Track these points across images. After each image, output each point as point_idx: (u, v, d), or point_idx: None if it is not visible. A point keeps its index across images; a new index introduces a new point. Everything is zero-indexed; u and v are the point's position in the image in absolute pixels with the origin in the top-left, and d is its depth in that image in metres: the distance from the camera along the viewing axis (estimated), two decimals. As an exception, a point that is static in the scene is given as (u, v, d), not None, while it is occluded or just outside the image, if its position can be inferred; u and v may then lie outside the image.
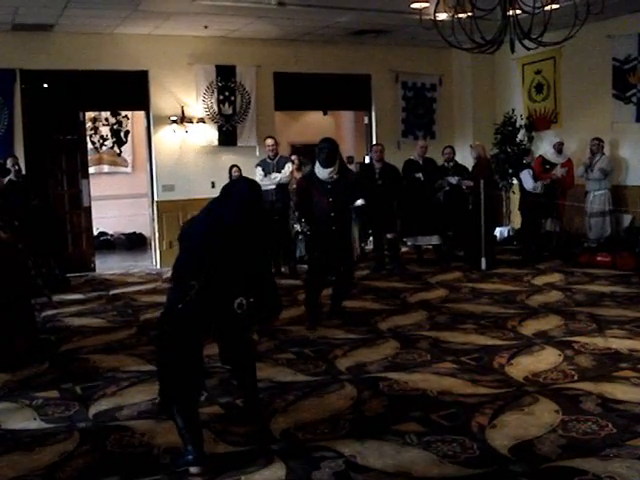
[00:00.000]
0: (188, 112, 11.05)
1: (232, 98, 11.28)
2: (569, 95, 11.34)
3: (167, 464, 4.02)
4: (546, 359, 5.71)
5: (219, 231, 3.99)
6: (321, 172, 6.81)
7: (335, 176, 6.80)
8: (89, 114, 13.11)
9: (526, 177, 10.12)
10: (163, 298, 8.65)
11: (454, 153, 10.61)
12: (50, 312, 8.21)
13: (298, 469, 3.87)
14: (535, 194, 10.07)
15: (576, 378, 5.20)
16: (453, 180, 10.22)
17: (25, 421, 4.80)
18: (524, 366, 5.54)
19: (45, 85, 10.41)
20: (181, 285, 4.04)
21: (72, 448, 4.30)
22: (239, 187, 4.21)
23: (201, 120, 11.09)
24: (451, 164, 10.47)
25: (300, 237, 9.35)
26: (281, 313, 4.76)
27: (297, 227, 7.71)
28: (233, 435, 4.38)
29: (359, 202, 6.90)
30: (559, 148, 10.64)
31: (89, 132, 13.62)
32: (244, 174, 9.91)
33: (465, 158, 11.26)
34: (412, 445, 4.11)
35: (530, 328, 6.69)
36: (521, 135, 11.90)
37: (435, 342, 6.33)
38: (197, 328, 4.03)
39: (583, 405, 4.64)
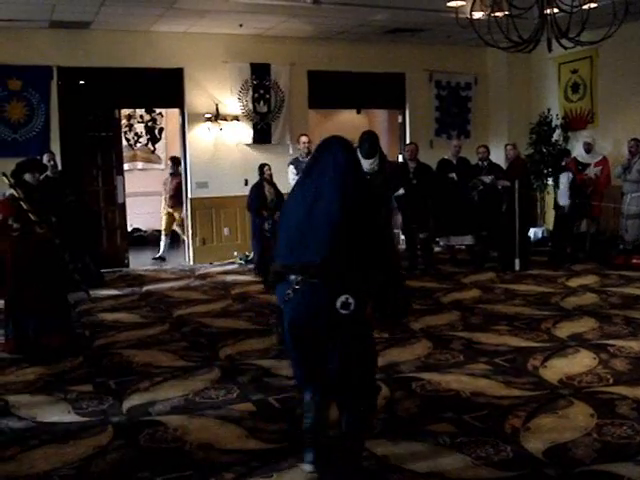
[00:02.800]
0: (223, 110, 11.10)
1: (267, 96, 11.32)
2: (606, 95, 11.19)
3: (198, 460, 4.04)
4: (581, 362, 5.63)
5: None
6: (363, 163, 6.67)
7: (376, 167, 6.92)
8: (124, 111, 13.23)
9: (563, 182, 10.00)
10: (196, 295, 8.85)
11: (489, 152, 10.51)
12: (85, 307, 8.32)
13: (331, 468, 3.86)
14: (570, 194, 9.97)
15: (611, 382, 5.12)
16: (487, 179, 10.13)
17: (60, 414, 4.85)
18: (558, 369, 5.47)
19: (82, 82, 10.51)
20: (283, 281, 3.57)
21: (106, 442, 4.34)
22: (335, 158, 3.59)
23: (235, 118, 11.14)
24: (485, 163, 10.38)
25: None
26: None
27: None
28: (265, 432, 4.39)
29: (401, 191, 7.08)
30: (587, 148, 10.54)
31: (124, 129, 13.75)
32: (276, 172, 10.02)
33: (500, 158, 11.15)
34: (445, 446, 4.09)
35: (564, 330, 6.60)
36: (557, 135, 11.76)
37: (468, 343, 6.28)
38: (301, 334, 3.57)
39: (618, 409, 4.56)
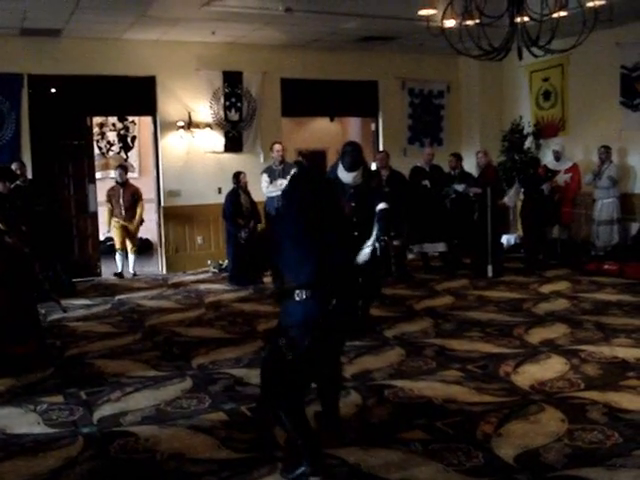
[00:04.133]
0: (195, 118, 11.08)
1: (239, 104, 11.31)
2: (577, 102, 11.33)
3: (170, 470, 4.00)
4: (552, 367, 5.66)
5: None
6: (345, 176, 6.65)
7: (359, 180, 6.67)
8: (96, 119, 13.14)
9: (545, 189, 10.15)
10: (169, 304, 8.79)
11: (460, 160, 10.58)
12: (56, 317, 8.21)
13: (301, 478, 3.85)
14: (539, 201, 10.08)
15: (582, 387, 5.16)
16: (459, 187, 10.20)
17: (29, 426, 4.78)
18: (530, 374, 5.50)
19: (53, 90, 10.42)
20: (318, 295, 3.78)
21: (76, 453, 4.28)
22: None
23: (208, 126, 11.11)
24: (456, 172, 10.44)
25: None
26: None
27: None
28: (237, 442, 4.36)
29: (381, 206, 6.64)
30: (556, 156, 10.70)
31: (96, 137, 13.66)
32: (249, 181, 10.00)
33: (473, 165, 11.23)
34: (417, 453, 4.08)
35: (536, 336, 6.64)
36: (528, 142, 11.87)
37: (441, 350, 6.29)
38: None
39: (589, 414, 4.59)
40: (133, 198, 10.79)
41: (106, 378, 5.81)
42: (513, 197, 10.49)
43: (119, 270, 10.95)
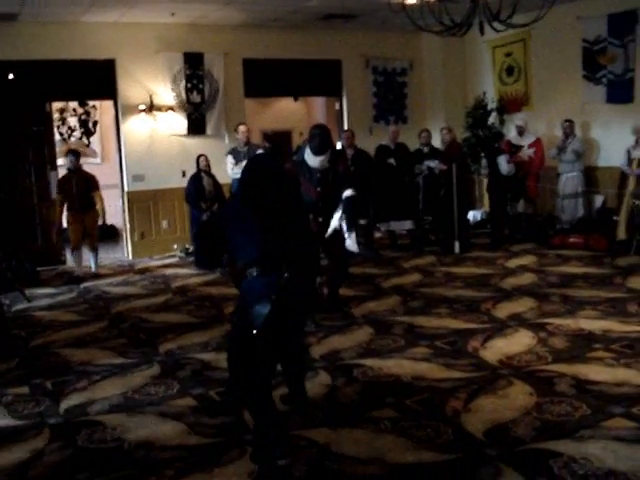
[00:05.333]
0: (157, 101, 10.89)
1: (200, 86, 11.14)
2: (540, 77, 11.35)
3: (138, 458, 3.96)
4: (520, 342, 5.70)
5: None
6: (312, 160, 6.48)
7: (326, 164, 6.51)
8: (57, 105, 12.90)
9: (502, 161, 10.13)
10: (135, 290, 8.71)
11: (430, 137, 10.57)
12: (21, 306, 8.08)
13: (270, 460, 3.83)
14: (503, 177, 10.12)
15: (550, 360, 5.20)
16: (432, 164, 10.17)
17: (-6, 418, 4.71)
18: (498, 349, 5.53)
19: (10, 76, 10.16)
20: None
21: (42, 445, 4.23)
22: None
23: (170, 109, 10.95)
24: (427, 148, 10.43)
25: None
26: None
27: None
28: (206, 427, 4.33)
29: (348, 192, 6.50)
30: (519, 131, 10.75)
31: (57, 123, 13.40)
32: (214, 163, 9.93)
33: (438, 142, 11.22)
34: (387, 431, 4.09)
35: (504, 311, 6.68)
36: (492, 118, 11.87)
37: (409, 327, 6.30)
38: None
39: (557, 387, 4.63)
40: (87, 187, 9.54)
41: (72, 367, 5.74)
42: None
43: (75, 273, 9.63)
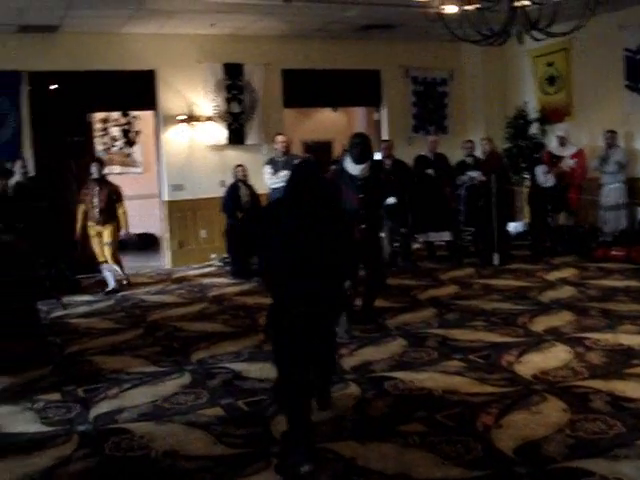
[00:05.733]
0: (196, 111, 11.00)
1: (240, 96, 11.22)
2: (582, 87, 11.17)
3: (164, 468, 3.95)
4: (556, 356, 5.57)
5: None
6: (352, 168, 6.54)
7: (367, 172, 6.55)
8: (99, 115, 13.11)
9: (539, 172, 9.98)
10: (171, 298, 8.76)
11: (474, 147, 10.44)
12: (59, 313, 8.19)
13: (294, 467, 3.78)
14: (543, 187, 9.96)
15: (586, 376, 5.07)
16: (475, 174, 10.05)
17: (25, 424, 4.75)
18: (533, 364, 5.41)
19: (53, 87, 10.33)
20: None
21: (70, 452, 4.24)
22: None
23: (209, 119, 11.03)
24: (470, 159, 10.30)
25: None
26: None
27: None
28: (233, 437, 4.30)
29: (390, 200, 6.71)
30: (561, 141, 10.55)
31: (100, 133, 13.62)
32: (251, 173, 9.95)
33: (477, 153, 11.10)
34: (415, 446, 4.01)
35: (541, 325, 6.55)
36: (534, 128, 11.72)
37: (443, 340, 6.21)
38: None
39: (592, 404, 4.50)
40: (110, 198, 9.25)
41: (105, 375, 5.77)
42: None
43: (110, 287, 9.36)
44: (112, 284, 9.40)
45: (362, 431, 4.28)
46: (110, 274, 9.44)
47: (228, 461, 3.98)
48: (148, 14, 9.56)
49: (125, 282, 9.67)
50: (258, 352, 6.16)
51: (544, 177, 9.94)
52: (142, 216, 13.40)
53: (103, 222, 9.25)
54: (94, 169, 9.35)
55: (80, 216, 9.32)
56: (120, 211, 9.36)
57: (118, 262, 9.62)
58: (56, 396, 5.29)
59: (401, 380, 5.18)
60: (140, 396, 5.19)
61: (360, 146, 6.50)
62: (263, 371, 5.57)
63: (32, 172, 9.93)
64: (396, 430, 4.24)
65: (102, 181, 9.39)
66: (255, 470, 3.83)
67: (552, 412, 4.40)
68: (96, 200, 9.21)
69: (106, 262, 9.43)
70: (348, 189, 6.50)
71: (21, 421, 4.81)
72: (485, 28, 7.20)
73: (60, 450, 4.27)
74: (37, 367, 6.01)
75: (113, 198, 9.31)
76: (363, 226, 6.49)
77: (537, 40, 7.27)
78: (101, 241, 9.31)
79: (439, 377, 5.21)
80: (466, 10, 7.63)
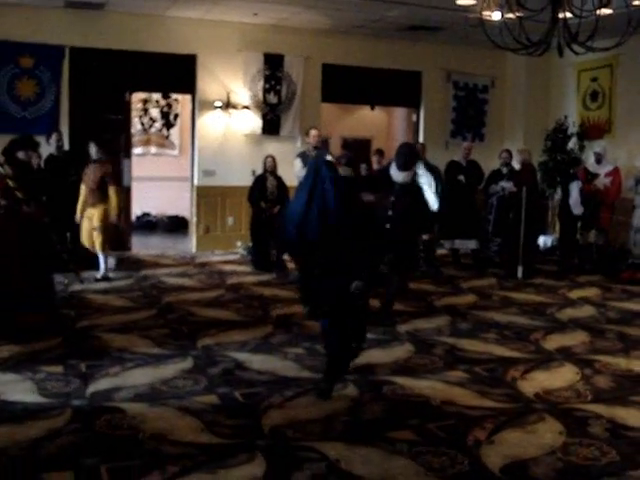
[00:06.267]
0: (233, 98, 11.02)
1: (278, 87, 11.22)
2: (624, 104, 10.94)
3: (148, 450, 3.95)
4: (562, 376, 5.46)
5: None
6: (396, 174, 6.88)
7: (408, 180, 6.92)
8: (140, 95, 13.22)
9: (574, 190, 9.82)
10: (190, 282, 8.80)
11: (511, 157, 10.29)
12: (78, 288, 8.28)
13: (278, 468, 3.76)
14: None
15: (589, 399, 4.95)
16: (507, 185, 9.91)
17: (24, 393, 4.81)
18: (538, 382, 5.30)
19: (93, 63, 10.43)
20: None
21: (61, 425, 4.28)
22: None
23: (246, 107, 11.06)
24: (506, 169, 10.16)
25: None
26: None
27: None
28: (222, 427, 4.29)
29: (435, 206, 7.17)
30: (597, 158, 10.33)
31: (139, 113, 13.76)
32: (284, 164, 9.93)
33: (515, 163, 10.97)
34: (401, 454, 3.96)
35: (553, 343, 6.42)
36: (572, 143, 11.52)
37: (451, 349, 6.13)
38: None
39: (591, 428, 4.40)
40: (102, 180, 8.79)
41: (110, 352, 5.82)
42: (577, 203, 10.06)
43: (100, 274, 8.79)
44: (102, 270, 8.84)
45: (351, 433, 4.24)
46: (103, 260, 8.88)
47: (212, 450, 3.97)
48: (193, -1, 9.61)
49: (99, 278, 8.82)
50: (264, 343, 6.17)
51: (576, 201, 9.77)
52: (175, 198, 13.56)
53: (92, 204, 8.79)
54: (92, 150, 8.99)
55: (81, 198, 8.91)
56: (111, 193, 8.79)
57: (103, 250, 8.86)
58: (59, 369, 5.35)
59: (400, 386, 5.12)
60: (140, 376, 5.22)
61: (404, 155, 6.88)
62: (265, 363, 5.57)
63: (66, 146, 10.05)
64: (385, 436, 4.19)
65: (98, 161, 8.96)
66: (237, 462, 3.82)
67: (547, 433, 4.31)
68: (90, 181, 8.86)
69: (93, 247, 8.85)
70: (385, 190, 6.92)
71: (20, 390, 4.87)
72: (524, 37, 7.10)
73: (52, 422, 4.31)
74: (47, 339, 6.08)
75: (105, 180, 8.84)
76: (387, 226, 6.70)
77: (576, 54, 7.13)
78: (91, 224, 8.81)
79: (440, 386, 5.15)
80: (508, 18, 7.54)
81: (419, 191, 7.12)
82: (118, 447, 4.02)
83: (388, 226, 6.72)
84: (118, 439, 4.11)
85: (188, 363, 5.56)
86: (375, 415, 4.59)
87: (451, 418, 4.53)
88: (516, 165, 10.55)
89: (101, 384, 5.05)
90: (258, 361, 5.64)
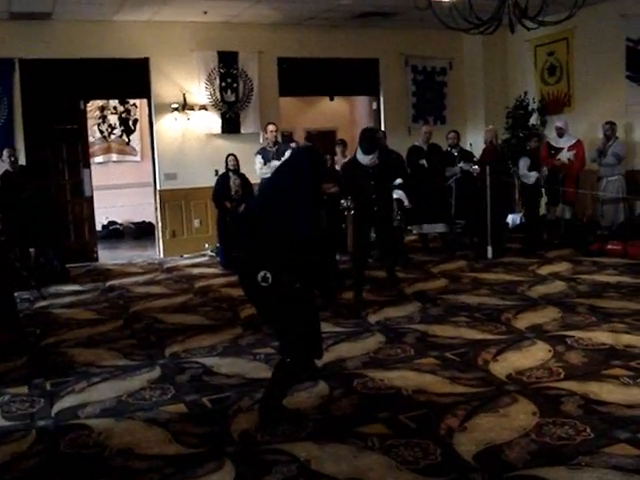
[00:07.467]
0: (190, 99, 10.88)
1: (234, 85, 11.09)
2: (582, 77, 10.95)
3: (115, 467, 3.85)
4: (534, 355, 5.41)
5: None
6: (363, 158, 7.26)
7: (376, 161, 7.26)
8: (97, 102, 13.04)
9: (522, 165, 9.81)
10: (157, 289, 8.67)
11: (459, 138, 10.27)
12: (43, 303, 8.12)
13: (247, 474, 3.68)
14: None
15: (562, 376, 4.91)
16: (466, 166, 9.88)
17: (-14, 418, 4.67)
18: (509, 363, 5.25)
19: (45, 74, 10.20)
20: None
21: (25, 448, 4.15)
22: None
23: (203, 107, 10.91)
24: (456, 150, 10.13)
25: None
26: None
27: (343, 203, 8.02)
28: (189, 436, 4.18)
29: (398, 181, 8.08)
30: (559, 133, 10.33)
31: (97, 121, 13.57)
32: (246, 162, 9.82)
33: (477, 143, 10.94)
34: (372, 449, 3.88)
35: (525, 321, 6.39)
36: (533, 119, 11.52)
37: (423, 336, 6.07)
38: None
39: (564, 407, 4.35)
40: None
41: (75, 368, 5.68)
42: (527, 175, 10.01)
43: None
44: None
45: (321, 432, 4.16)
46: None
47: (180, 461, 3.87)
48: (139, 1, 9.43)
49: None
50: (233, 346, 6.07)
51: (525, 172, 9.74)
52: (139, 205, 13.41)
53: None
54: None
55: None
56: None
57: None
58: (23, 389, 5.20)
59: (371, 378, 5.05)
60: (107, 391, 5.09)
61: (367, 140, 7.29)
62: (234, 366, 5.48)
63: (23, 160, 9.87)
64: (356, 431, 4.11)
65: None
66: (206, 471, 3.72)
67: (520, 415, 4.25)
68: None
69: None
70: (362, 176, 7.31)
71: (-18, 415, 4.74)
72: (474, 17, 7.04)
73: (16, 446, 4.18)
74: (11, 359, 5.92)
75: None
76: (375, 208, 7.36)
77: (528, 29, 7.10)
78: None
79: (411, 375, 5.08)
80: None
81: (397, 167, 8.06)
82: (84, 467, 3.90)
83: (376, 208, 7.36)
84: (84, 458, 4.00)
85: (155, 373, 5.45)
86: (345, 411, 4.50)
87: (423, 408, 4.47)
88: (475, 145, 10.55)
89: (66, 402, 4.91)
90: (227, 364, 5.54)
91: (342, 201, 8.05)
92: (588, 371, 5.00)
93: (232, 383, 5.09)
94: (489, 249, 9.48)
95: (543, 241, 10.18)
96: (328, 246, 5.96)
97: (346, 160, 9.05)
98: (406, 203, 9.58)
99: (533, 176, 9.73)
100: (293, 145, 10.40)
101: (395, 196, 7.87)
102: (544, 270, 8.68)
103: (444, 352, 5.58)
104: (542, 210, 10.64)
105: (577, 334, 5.90)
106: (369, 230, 7.55)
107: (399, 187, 8.03)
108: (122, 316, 7.43)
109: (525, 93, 11.56)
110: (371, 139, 7.37)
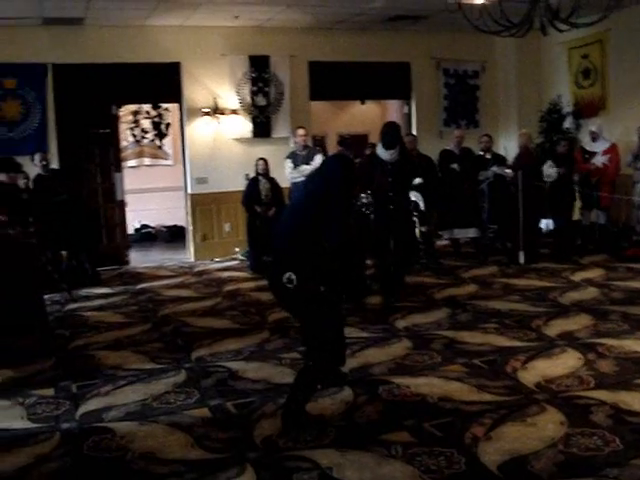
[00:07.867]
0: (221, 104, 10.89)
1: (265, 89, 11.08)
2: (617, 80, 10.72)
3: (136, 471, 3.85)
4: (564, 363, 5.31)
5: None
6: (383, 153, 7.17)
7: (397, 157, 7.16)
8: (130, 107, 13.13)
9: (545, 167, 9.62)
10: (187, 292, 8.69)
11: (492, 142, 10.13)
12: (73, 306, 8.18)
13: (268, 480, 3.65)
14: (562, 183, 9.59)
15: (592, 385, 4.80)
16: (499, 170, 9.72)
17: (12, 420, 4.69)
18: (539, 371, 5.16)
19: (77, 79, 10.25)
20: None
21: (48, 450, 4.17)
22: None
23: (234, 112, 10.92)
24: (489, 154, 9.99)
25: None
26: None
27: (363, 198, 7.58)
28: (212, 441, 4.17)
29: (417, 180, 7.55)
30: (593, 137, 10.13)
31: (130, 125, 13.67)
32: (277, 167, 9.81)
33: (511, 147, 10.78)
34: (396, 457, 3.82)
35: (555, 328, 6.27)
36: (568, 123, 11.34)
37: (450, 343, 5.99)
38: None
39: (593, 416, 4.25)
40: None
41: (102, 370, 5.70)
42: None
43: None
44: None
45: (345, 439, 4.11)
46: None
47: (201, 466, 3.85)
48: (171, 6, 9.48)
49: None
50: (259, 350, 6.05)
51: (549, 171, 9.52)
52: (172, 208, 13.46)
53: None
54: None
55: None
56: None
57: None
58: (50, 392, 5.24)
59: (397, 385, 4.99)
60: (132, 394, 5.10)
61: (389, 134, 7.18)
62: (259, 371, 5.46)
63: (56, 164, 9.98)
64: (380, 439, 4.06)
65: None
66: (227, 477, 3.71)
67: (548, 424, 4.17)
68: None
69: None
70: (380, 173, 7.19)
71: (9, 417, 4.76)
72: (505, 19, 6.95)
73: (40, 448, 4.21)
74: (39, 361, 5.97)
75: None
76: (391, 206, 7.19)
77: (560, 31, 7.00)
78: None
79: (437, 382, 5.01)
80: (488, 1, 7.38)
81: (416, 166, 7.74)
82: (105, 470, 3.91)
83: (392, 207, 7.20)
84: (106, 461, 4.01)
85: (181, 376, 5.44)
86: (370, 418, 4.45)
87: (448, 415, 4.40)
88: (512, 149, 10.40)
89: (91, 404, 4.93)
90: (252, 369, 5.52)
91: (362, 195, 7.77)
92: (619, 380, 4.88)
93: (257, 388, 5.07)
94: (521, 254, 9.33)
95: (576, 246, 9.99)
96: (357, 251, 5.87)
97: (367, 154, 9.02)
98: (422, 205, 9.42)
99: (553, 172, 9.50)
100: (318, 150, 10.35)
101: (412, 198, 7.58)
102: (577, 276, 8.53)
103: (472, 359, 5.50)
104: (576, 215, 10.46)
105: (609, 342, 5.77)
106: (388, 232, 7.26)
107: (417, 188, 7.69)
108: (151, 319, 7.46)
109: (559, 96, 11.38)
110: (392, 134, 7.22)
